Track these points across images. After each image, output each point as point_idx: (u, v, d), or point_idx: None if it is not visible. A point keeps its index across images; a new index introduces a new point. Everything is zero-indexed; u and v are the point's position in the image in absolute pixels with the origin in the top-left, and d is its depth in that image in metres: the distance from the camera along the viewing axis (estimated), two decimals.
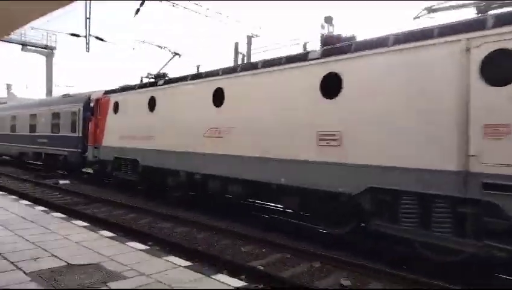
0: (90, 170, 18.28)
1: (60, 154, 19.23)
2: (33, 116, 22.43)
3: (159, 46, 15.01)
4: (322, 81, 8.82)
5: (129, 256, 5.44)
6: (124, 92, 14.50)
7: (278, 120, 9.66)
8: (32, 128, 22.31)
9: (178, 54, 15.33)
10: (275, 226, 9.46)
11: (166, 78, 14.46)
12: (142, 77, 14.33)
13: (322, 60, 8.93)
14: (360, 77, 8.21)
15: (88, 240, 6.11)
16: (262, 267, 6.98)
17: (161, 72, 15.01)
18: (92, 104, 16.62)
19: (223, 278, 5.17)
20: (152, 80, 14.63)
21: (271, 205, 12.97)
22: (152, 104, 13.86)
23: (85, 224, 7.66)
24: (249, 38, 27.36)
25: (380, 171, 7.55)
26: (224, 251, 7.79)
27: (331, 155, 8.46)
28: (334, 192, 8.37)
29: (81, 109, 18.13)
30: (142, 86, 14.26)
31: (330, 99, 8.65)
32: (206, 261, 7.14)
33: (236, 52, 27.27)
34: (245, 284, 5.32)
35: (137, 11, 14.75)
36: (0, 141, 27.33)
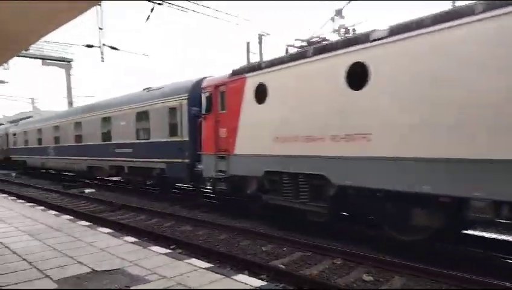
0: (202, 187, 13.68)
1: (153, 168, 13.91)
2: (106, 120, 17.16)
3: None
4: None
5: (152, 260, 5.71)
6: (279, 67, 9.01)
7: None
8: (106, 135, 17.18)
9: None
10: (294, 225, 9.63)
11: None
12: (288, 46, 9.48)
13: None
14: None
15: (112, 246, 6.52)
16: (283, 266, 6.99)
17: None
18: (204, 95, 11.10)
19: (244, 279, 5.21)
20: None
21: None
22: (359, 76, 7.40)
23: (109, 231, 8.14)
24: (260, 36, 27.35)
25: None
26: (245, 251, 7.95)
27: None
28: None
29: (185, 102, 12.27)
30: (325, 49, 8.19)
31: None
32: (227, 262, 7.29)
33: (248, 52, 27.43)
34: (266, 283, 5.33)
35: (148, 17, 14.11)
36: (58, 155, 23.07)
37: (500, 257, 7.27)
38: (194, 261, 5.81)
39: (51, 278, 4.94)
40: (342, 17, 10.66)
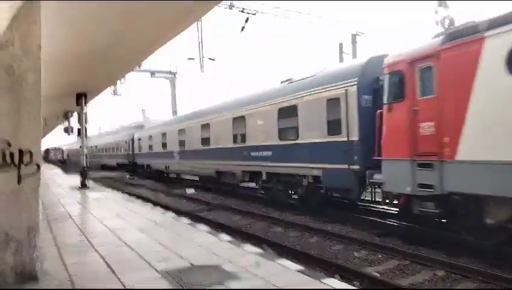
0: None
1: (303, 175, 11.33)
2: (239, 120, 15.09)
3: None
4: None
5: (245, 258, 5.89)
6: None
7: None
8: (239, 137, 15.06)
9: None
10: (389, 230, 9.19)
11: None
12: None
13: None
14: None
15: (210, 243, 6.79)
16: (378, 274, 6.65)
17: None
18: (389, 77, 8.05)
19: (334, 283, 5.09)
20: None
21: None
22: None
23: (207, 229, 8.64)
24: (354, 36, 26.15)
25: None
26: (337, 255, 7.82)
27: None
28: None
29: (353, 90, 9.40)
30: None
31: None
32: (318, 265, 7.22)
33: (341, 53, 26.08)
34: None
35: (243, 28, 13.58)
36: (183, 159, 21.49)
37: None
38: (285, 262, 5.95)
39: (155, 269, 5.28)
40: (446, 7, 8.47)
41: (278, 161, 12.38)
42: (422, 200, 7.39)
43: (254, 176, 14.40)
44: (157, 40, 8.03)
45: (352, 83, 9.49)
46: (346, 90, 9.62)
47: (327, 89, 10.27)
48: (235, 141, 15.56)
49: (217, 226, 10.26)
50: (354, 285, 5.79)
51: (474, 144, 6.29)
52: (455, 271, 6.44)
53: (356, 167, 9.33)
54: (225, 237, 7.59)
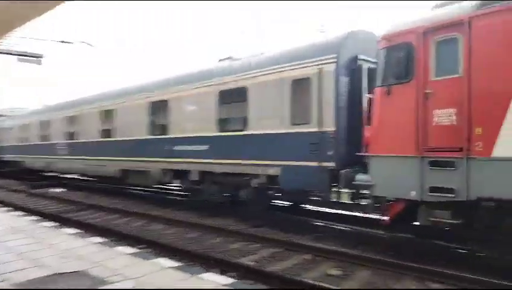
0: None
1: (252, 174, 9.18)
2: (159, 105, 11.94)
3: None
4: None
5: (117, 261, 5.61)
6: None
7: None
8: (159, 127, 11.98)
9: None
10: (269, 220, 9.71)
11: None
12: None
13: None
14: None
15: (76, 247, 6.41)
16: (252, 263, 6.87)
17: None
18: (390, 52, 6.41)
19: (212, 277, 5.32)
20: None
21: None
22: None
23: (75, 231, 8.41)
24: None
25: None
26: (215, 249, 7.80)
27: None
28: None
29: (331, 69, 7.65)
30: None
31: None
32: (195, 260, 7.07)
33: None
34: (234, 281, 5.49)
35: None
36: (73, 155, 17.18)
37: None
38: (161, 260, 5.97)
39: (8, 283, 4.79)
40: None
41: (217, 156, 10.04)
42: (433, 208, 5.96)
43: (180, 175, 11.72)
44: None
45: (329, 61, 7.74)
46: (320, 69, 7.84)
47: (293, 67, 8.34)
48: (152, 131, 12.60)
49: (87, 228, 9.61)
50: (230, 276, 5.97)
51: None
52: (320, 254, 7.21)
53: (330, 164, 7.63)
54: (96, 239, 7.55)
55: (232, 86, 9.68)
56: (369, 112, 6.90)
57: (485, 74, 5.30)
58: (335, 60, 7.66)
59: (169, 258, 6.62)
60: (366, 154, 6.85)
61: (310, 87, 8.00)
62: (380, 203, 6.85)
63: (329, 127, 7.67)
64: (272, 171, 8.72)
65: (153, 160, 12.36)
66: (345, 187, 7.67)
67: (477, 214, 5.58)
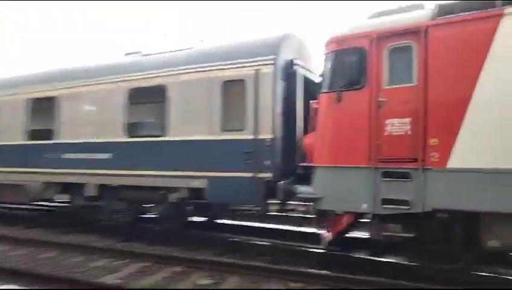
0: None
1: (170, 187, 7.92)
2: (43, 103, 9.87)
3: None
4: None
5: None
6: None
7: None
8: (41, 130, 9.82)
9: None
10: (139, 234, 9.27)
11: None
12: None
13: None
14: None
15: None
16: (118, 281, 6.65)
17: None
18: (339, 57, 6.04)
19: None
20: None
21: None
22: None
23: None
24: None
25: None
26: (74, 269, 7.25)
27: None
28: None
29: (268, 71, 6.99)
30: None
31: None
32: (49, 284, 6.50)
33: None
34: None
35: None
36: None
37: None
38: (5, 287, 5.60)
39: None
40: None
41: (124, 166, 8.46)
42: (385, 222, 5.71)
43: (70, 189, 9.65)
44: None
45: (266, 62, 7.08)
46: (256, 70, 7.11)
47: (225, 66, 7.44)
48: (31, 135, 10.21)
49: None
50: None
51: (477, 147, 5.04)
52: (191, 265, 7.16)
53: (267, 174, 6.94)
54: None
55: (146, 83, 8.27)
56: (313, 119, 6.47)
57: (441, 84, 5.27)
58: (273, 61, 7.06)
59: (15, 283, 6.22)
60: (311, 164, 6.36)
61: (245, 90, 7.23)
62: (324, 217, 6.44)
63: (267, 134, 7.00)
64: (196, 184, 7.62)
65: (32, 171, 9.97)
66: (283, 200, 7.07)
67: (431, 227, 5.52)
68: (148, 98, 8.25)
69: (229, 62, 7.42)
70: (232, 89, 7.42)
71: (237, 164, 7.19)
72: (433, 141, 5.29)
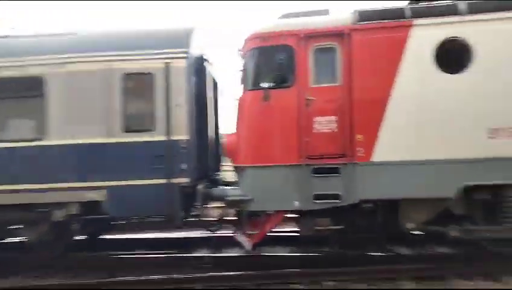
0: None
1: (55, 204, 6.21)
2: None
3: None
4: None
5: None
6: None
7: None
8: None
9: None
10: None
11: None
12: None
13: None
14: None
15: None
16: None
17: None
18: (263, 54, 5.72)
19: None
20: None
21: None
22: None
23: None
24: None
25: None
26: None
27: None
28: None
29: (181, 65, 6.02)
30: None
31: None
32: None
33: None
34: None
35: None
36: None
37: None
38: None
39: None
40: None
41: None
42: (315, 217, 5.83)
43: None
44: None
45: (178, 55, 6.33)
46: (166, 64, 6.30)
47: (127, 57, 6.33)
48: None
49: None
50: None
51: (399, 142, 5.59)
52: None
53: (184, 179, 6.25)
54: None
55: (12, 73, 6.42)
56: (240, 118, 6.14)
57: (363, 84, 5.66)
58: (185, 55, 6.39)
59: None
60: (244, 165, 6.02)
61: (154, 85, 6.33)
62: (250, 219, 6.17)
63: (182, 135, 6.30)
64: (91, 196, 6.30)
65: None
66: (202, 206, 6.48)
67: (357, 217, 5.89)
68: (18, 92, 6.42)
69: (132, 52, 6.37)
70: (136, 83, 6.41)
71: (146, 170, 6.25)
72: (358, 137, 5.65)
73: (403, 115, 5.59)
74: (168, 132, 6.30)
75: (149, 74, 6.37)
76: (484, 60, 5.46)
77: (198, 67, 6.86)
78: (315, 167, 5.75)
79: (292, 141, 5.77)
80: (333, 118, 5.75)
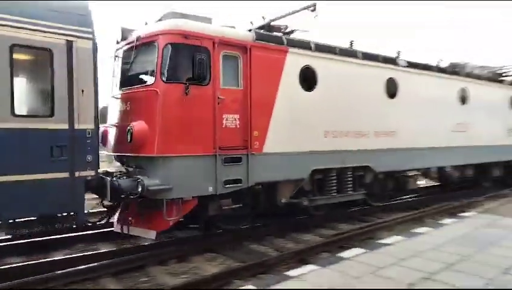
0: None
1: None
2: None
3: None
4: None
5: None
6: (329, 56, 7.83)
7: None
8: None
9: None
10: None
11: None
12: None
13: None
14: None
15: None
16: None
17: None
18: (184, 50, 5.33)
19: None
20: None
21: None
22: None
23: None
24: None
25: None
26: None
27: None
28: None
29: (89, 48, 4.56)
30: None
31: None
32: None
33: None
34: None
35: None
36: None
37: None
38: None
39: None
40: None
41: None
42: (221, 198, 6.67)
43: None
44: None
45: (83, 34, 5.58)
46: (69, 41, 5.43)
47: (17, 24, 4.97)
48: None
49: None
50: None
51: (280, 138, 7.25)
52: None
53: (89, 172, 5.64)
54: None
55: None
56: (154, 108, 6.10)
57: (258, 91, 7.03)
58: (91, 35, 5.73)
59: None
60: (155, 155, 6.01)
61: (53, 64, 5.31)
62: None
63: (87, 123, 5.63)
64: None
65: None
66: (111, 200, 5.89)
67: (254, 196, 7.18)
68: None
69: (26, 20, 5.10)
70: (29, 58, 5.20)
71: (43, 162, 5.22)
72: (255, 133, 7.00)
73: (280, 118, 7.41)
74: (70, 119, 5.48)
75: (46, 49, 5.31)
76: (322, 84, 8.08)
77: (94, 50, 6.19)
78: (225, 156, 6.66)
79: (209, 133, 6.46)
80: (237, 116, 6.85)
